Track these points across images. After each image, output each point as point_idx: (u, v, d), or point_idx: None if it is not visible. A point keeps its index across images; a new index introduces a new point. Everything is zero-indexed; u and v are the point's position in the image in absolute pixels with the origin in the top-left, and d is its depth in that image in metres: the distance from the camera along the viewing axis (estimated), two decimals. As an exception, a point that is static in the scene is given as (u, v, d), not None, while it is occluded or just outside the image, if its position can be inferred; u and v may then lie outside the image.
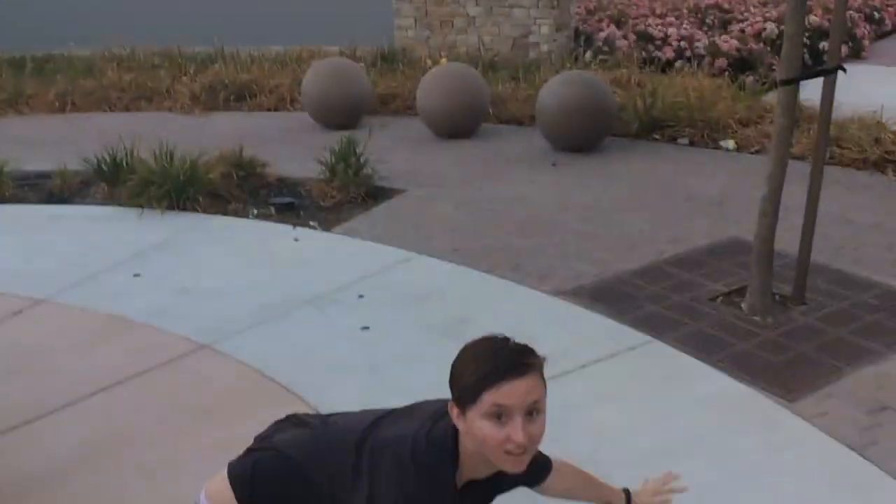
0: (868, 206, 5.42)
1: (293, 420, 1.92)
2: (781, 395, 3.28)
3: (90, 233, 5.23)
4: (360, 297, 4.22)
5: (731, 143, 6.89)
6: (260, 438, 1.92)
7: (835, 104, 3.87)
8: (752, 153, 6.67)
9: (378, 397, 1.98)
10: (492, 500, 1.86)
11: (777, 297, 4.07)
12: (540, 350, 1.68)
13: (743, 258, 4.47)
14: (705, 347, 3.67)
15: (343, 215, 5.49)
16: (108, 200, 5.80)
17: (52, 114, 8.68)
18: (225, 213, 5.53)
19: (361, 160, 5.95)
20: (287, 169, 6.39)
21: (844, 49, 9.80)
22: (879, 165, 6.10)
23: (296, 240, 5.08)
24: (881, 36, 11.31)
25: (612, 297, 4.17)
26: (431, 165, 6.58)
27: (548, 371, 1.68)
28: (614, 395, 3.31)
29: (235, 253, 4.89)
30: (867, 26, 10.71)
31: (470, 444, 1.64)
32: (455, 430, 1.66)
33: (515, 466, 1.61)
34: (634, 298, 4.15)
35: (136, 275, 4.56)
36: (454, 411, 1.64)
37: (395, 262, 4.65)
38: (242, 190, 5.90)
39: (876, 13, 11.34)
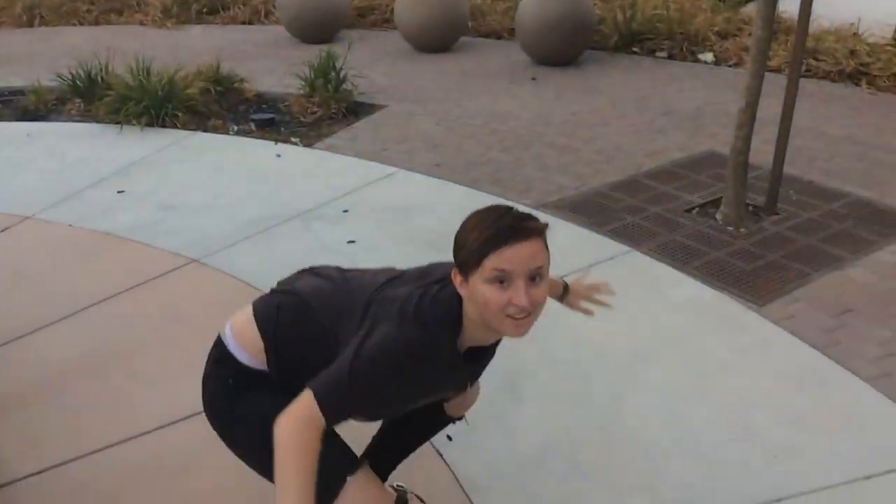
0: (841, 117, 5.52)
1: (314, 271, 1.97)
2: (751, 300, 3.43)
3: (70, 150, 5.20)
4: (345, 211, 4.29)
5: (709, 56, 6.91)
6: (282, 283, 1.98)
7: (812, 16, 3.90)
8: (729, 66, 6.71)
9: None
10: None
11: (750, 207, 4.20)
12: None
13: (718, 170, 4.58)
14: (680, 256, 3.81)
15: (324, 131, 5.50)
16: (85, 117, 5.75)
17: (20, 28, 8.48)
18: (205, 130, 5.52)
19: (341, 75, 5.92)
20: (265, 84, 6.35)
21: (824, -41, 9.71)
22: (854, 77, 6.18)
23: (278, 156, 5.10)
24: (862, -55, 11.19)
25: (591, 210, 4.28)
26: (411, 80, 6.55)
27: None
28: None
29: (218, 169, 4.91)
30: (848, -65, 10.58)
31: (472, 310, 1.64)
32: (459, 298, 1.67)
33: (517, 330, 1.61)
34: (613, 210, 4.26)
35: (121, 191, 4.59)
36: (457, 279, 1.64)
37: (378, 177, 4.70)
38: (221, 106, 5.87)
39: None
